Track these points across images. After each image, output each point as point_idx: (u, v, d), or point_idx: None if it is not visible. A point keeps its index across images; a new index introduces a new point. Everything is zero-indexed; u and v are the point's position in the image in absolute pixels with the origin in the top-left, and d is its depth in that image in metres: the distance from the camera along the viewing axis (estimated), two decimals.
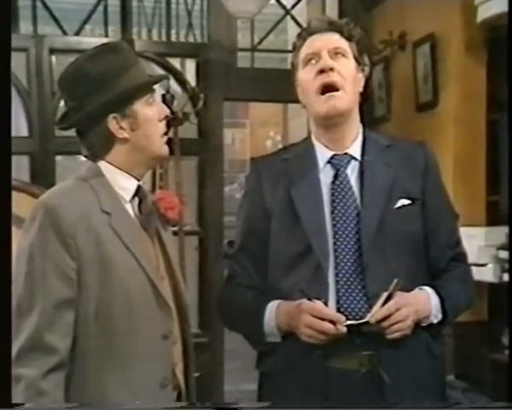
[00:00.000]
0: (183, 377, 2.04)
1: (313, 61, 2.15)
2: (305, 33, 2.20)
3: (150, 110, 1.97)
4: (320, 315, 1.99)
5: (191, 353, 2.08)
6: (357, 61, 2.18)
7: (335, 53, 2.14)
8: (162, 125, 2.01)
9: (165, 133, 2.02)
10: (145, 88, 1.98)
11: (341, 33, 2.17)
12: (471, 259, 3.45)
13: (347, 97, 2.14)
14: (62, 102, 4.15)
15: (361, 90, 2.20)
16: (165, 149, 2.02)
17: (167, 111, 2.04)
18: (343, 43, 2.16)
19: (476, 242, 3.54)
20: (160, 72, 4.29)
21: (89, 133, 1.96)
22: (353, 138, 2.20)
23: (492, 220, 3.66)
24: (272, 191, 2.19)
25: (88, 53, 1.97)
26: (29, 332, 1.80)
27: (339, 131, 2.18)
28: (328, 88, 2.11)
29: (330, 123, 2.16)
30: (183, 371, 2.04)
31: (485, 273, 3.49)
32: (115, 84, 1.92)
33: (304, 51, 2.18)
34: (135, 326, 1.88)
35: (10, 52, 1.86)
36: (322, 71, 2.12)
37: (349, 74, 2.15)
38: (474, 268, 3.42)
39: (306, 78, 2.16)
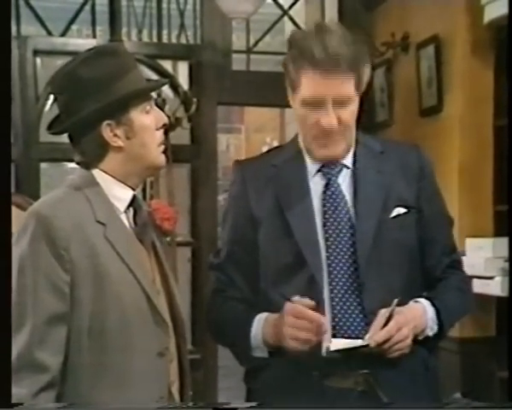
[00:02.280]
0: (179, 396, 2.04)
1: (313, 107, 2.06)
2: (307, 60, 2.04)
3: (147, 118, 1.96)
4: (300, 315, 1.98)
5: (187, 371, 2.08)
6: (359, 89, 2.11)
7: (341, 101, 2.06)
8: (159, 134, 2.00)
9: (163, 142, 2.02)
10: (142, 95, 1.97)
11: (348, 68, 2.05)
12: (478, 271, 3.48)
13: (345, 139, 2.13)
14: (48, 107, 4.18)
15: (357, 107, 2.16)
16: (162, 159, 2.02)
17: (165, 119, 2.02)
18: (349, 86, 2.06)
19: (483, 253, 3.55)
20: (152, 75, 4.29)
21: (81, 140, 1.96)
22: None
23: (500, 231, 3.66)
24: (259, 198, 2.19)
25: (83, 55, 1.96)
26: (19, 350, 1.79)
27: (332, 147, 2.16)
28: (328, 135, 2.09)
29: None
30: (179, 389, 2.05)
31: (493, 287, 3.49)
32: (110, 90, 1.91)
33: (304, 88, 2.07)
34: (130, 343, 1.88)
35: (10, 54, 1.86)
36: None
37: (351, 120, 2.11)
38: (481, 281, 3.46)
39: (305, 115, 2.10)
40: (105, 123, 1.91)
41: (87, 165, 1.98)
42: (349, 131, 2.12)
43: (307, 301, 2.00)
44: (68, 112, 1.95)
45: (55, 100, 2.02)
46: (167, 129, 2.10)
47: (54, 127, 2.02)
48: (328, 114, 2.05)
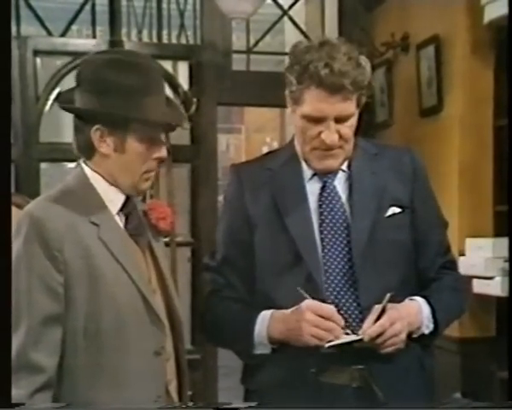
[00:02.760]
0: (177, 395, 2.04)
1: (316, 121, 2.08)
2: (312, 79, 2.05)
3: (142, 146, 1.93)
4: (325, 315, 2.01)
5: (185, 370, 2.08)
6: (359, 104, 2.13)
7: (343, 119, 2.09)
8: (151, 164, 1.96)
9: (152, 171, 1.98)
10: (147, 124, 1.93)
11: (353, 90, 2.07)
12: (478, 271, 3.48)
13: (345, 152, 2.15)
14: (48, 107, 4.18)
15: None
16: (144, 186, 1.99)
17: (164, 154, 1.98)
18: (352, 106, 2.10)
19: (483, 253, 3.55)
20: None
21: (79, 130, 1.95)
22: None
23: (500, 231, 3.67)
24: (255, 201, 2.20)
25: (118, 55, 1.96)
26: (14, 351, 1.79)
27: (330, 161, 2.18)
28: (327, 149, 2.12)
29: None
30: (176, 389, 2.04)
31: (493, 287, 3.49)
32: (121, 103, 1.89)
33: (307, 104, 2.08)
34: (125, 342, 1.88)
35: (10, 54, 1.86)
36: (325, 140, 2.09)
37: (351, 134, 2.14)
38: (480, 281, 3.47)
39: (305, 128, 2.12)
40: (96, 127, 1.90)
41: (78, 154, 1.97)
42: (348, 144, 2.15)
43: (328, 306, 2.04)
44: (81, 98, 1.93)
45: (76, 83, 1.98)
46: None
47: (63, 100, 2.00)
48: (329, 131, 2.08)
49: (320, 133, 2.09)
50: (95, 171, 1.96)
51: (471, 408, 2.16)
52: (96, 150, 1.94)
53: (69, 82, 4.18)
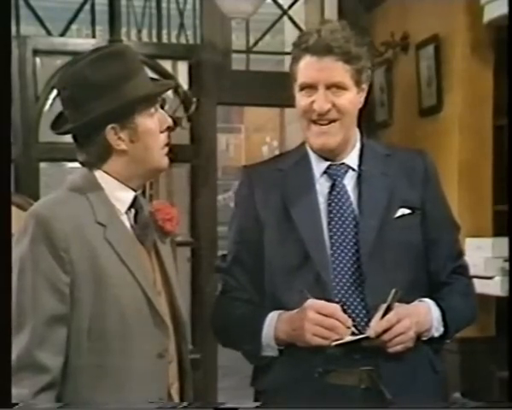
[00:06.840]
0: (178, 397, 2.04)
1: (308, 91, 2.11)
2: (303, 49, 2.12)
3: (151, 122, 1.95)
4: (328, 313, 2.00)
5: (188, 372, 2.08)
6: (358, 84, 2.14)
7: (335, 87, 2.10)
8: (163, 137, 1.99)
9: (167, 144, 2.00)
10: (148, 100, 1.96)
11: (342, 58, 2.09)
12: (477, 271, 3.49)
13: (342, 130, 2.14)
14: (47, 107, 4.18)
15: (361, 105, 2.19)
16: (165, 162, 2.01)
17: (169, 121, 2.01)
18: (343, 75, 2.10)
19: (483, 253, 3.55)
20: (152, 75, 4.28)
21: (86, 141, 1.95)
22: (350, 148, 2.21)
23: (499, 231, 3.67)
24: (265, 201, 2.20)
25: (91, 56, 1.94)
26: (19, 351, 1.79)
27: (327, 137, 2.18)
28: (323, 122, 2.12)
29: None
30: (178, 391, 2.04)
31: (493, 287, 3.49)
32: (117, 94, 1.90)
33: (300, 74, 2.13)
34: (129, 344, 1.88)
35: (10, 54, 1.85)
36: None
37: (347, 107, 2.12)
38: (480, 281, 3.46)
39: (302, 103, 2.14)
40: (109, 126, 1.90)
41: (91, 165, 1.97)
42: (348, 120, 2.14)
43: (331, 304, 2.03)
44: (74, 113, 1.93)
45: (58, 94, 1.99)
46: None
47: (58, 127, 2.00)
48: (320, 103, 2.09)
49: (313, 103, 2.10)
50: (105, 172, 1.96)
51: (471, 408, 2.16)
52: (112, 152, 1.94)
53: None
